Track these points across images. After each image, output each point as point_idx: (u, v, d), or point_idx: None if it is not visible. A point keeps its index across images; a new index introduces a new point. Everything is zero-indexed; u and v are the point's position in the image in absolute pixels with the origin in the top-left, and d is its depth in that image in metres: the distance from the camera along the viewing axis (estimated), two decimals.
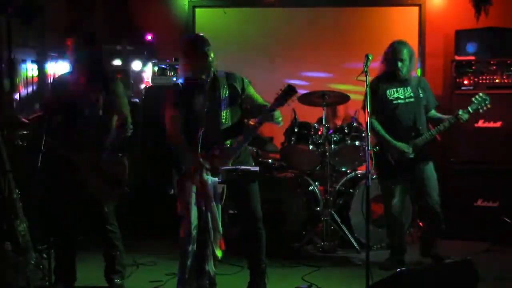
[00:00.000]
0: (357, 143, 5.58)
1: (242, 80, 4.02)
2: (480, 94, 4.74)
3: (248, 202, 3.97)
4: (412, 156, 4.70)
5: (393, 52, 4.73)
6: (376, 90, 4.75)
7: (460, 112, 4.67)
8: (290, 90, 3.75)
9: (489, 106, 4.70)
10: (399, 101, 4.76)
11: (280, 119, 3.85)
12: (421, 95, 4.79)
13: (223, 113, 3.87)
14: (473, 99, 4.71)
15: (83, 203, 4.17)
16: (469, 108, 4.68)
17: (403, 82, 4.79)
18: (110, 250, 4.28)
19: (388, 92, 4.78)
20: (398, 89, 4.78)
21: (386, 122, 4.79)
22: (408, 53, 4.72)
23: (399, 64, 4.70)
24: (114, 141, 4.18)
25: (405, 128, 4.74)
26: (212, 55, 3.87)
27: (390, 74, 4.79)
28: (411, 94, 4.77)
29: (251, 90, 4.07)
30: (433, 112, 4.88)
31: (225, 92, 3.91)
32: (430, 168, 4.79)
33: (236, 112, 3.96)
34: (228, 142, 3.84)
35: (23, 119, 4.53)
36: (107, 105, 4.16)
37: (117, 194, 4.23)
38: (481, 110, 4.72)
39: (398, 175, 4.79)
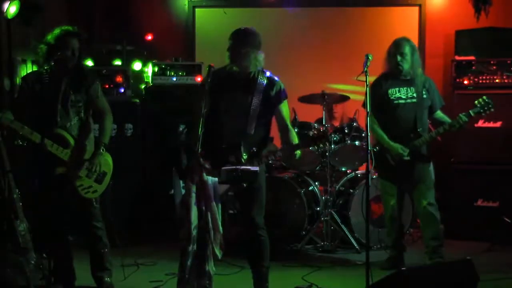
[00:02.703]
0: (357, 143, 5.59)
1: (279, 91, 3.84)
2: (484, 97, 4.62)
3: (250, 209, 3.92)
4: (407, 158, 4.65)
5: (394, 47, 4.69)
6: (378, 88, 4.74)
7: (461, 115, 4.60)
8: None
9: (492, 110, 4.60)
10: (400, 101, 4.72)
11: (299, 154, 3.82)
12: (425, 96, 4.73)
13: (249, 122, 3.75)
14: (476, 102, 4.62)
15: (71, 200, 4.18)
16: (471, 112, 4.60)
17: (407, 82, 4.74)
18: (99, 247, 4.25)
19: (390, 91, 4.75)
20: (400, 88, 4.74)
21: (386, 122, 4.76)
22: (410, 49, 4.68)
23: (399, 58, 4.66)
24: (98, 139, 4.19)
25: (405, 128, 4.71)
26: (248, 52, 3.74)
27: (393, 73, 4.74)
28: (414, 95, 4.72)
29: (283, 107, 3.88)
30: (438, 113, 4.82)
31: (257, 100, 3.77)
32: (428, 170, 4.76)
33: (262, 123, 3.83)
34: (245, 155, 3.73)
35: None
36: (87, 105, 4.17)
37: (102, 189, 4.24)
38: (483, 114, 4.63)
39: (398, 176, 4.77)
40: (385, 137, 4.72)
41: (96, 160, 4.14)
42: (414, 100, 4.72)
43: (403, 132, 4.71)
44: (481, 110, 4.61)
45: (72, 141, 4.11)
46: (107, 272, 4.30)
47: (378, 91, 4.73)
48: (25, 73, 5.66)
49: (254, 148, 3.80)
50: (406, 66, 4.69)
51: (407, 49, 4.67)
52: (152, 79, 6.19)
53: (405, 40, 4.72)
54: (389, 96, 4.74)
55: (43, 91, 4.06)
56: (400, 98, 4.73)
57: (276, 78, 3.90)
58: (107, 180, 4.26)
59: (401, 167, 4.70)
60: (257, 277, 4.01)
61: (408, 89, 4.74)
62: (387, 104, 4.74)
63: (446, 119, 4.79)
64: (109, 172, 4.28)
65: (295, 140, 3.89)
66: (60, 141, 4.07)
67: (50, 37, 4.09)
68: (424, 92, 4.74)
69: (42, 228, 4.18)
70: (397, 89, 4.75)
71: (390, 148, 4.69)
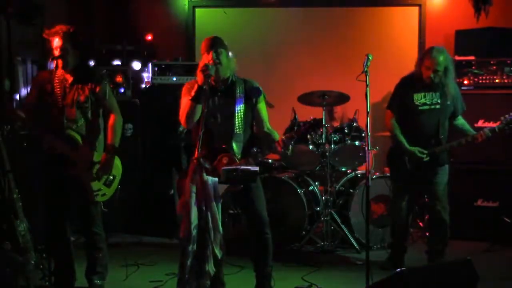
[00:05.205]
0: (357, 143, 5.59)
1: (258, 90, 3.94)
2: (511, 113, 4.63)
3: (254, 207, 3.94)
4: (426, 159, 4.63)
5: (430, 61, 4.58)
6: (402, 91, 4.73)
7: (486, 130, 4.61)
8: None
9: None
10: (425, 107, 4.67)
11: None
12: (449, 102, 4.68)
13: (236, 121, 3.83)
14: (502, 118, 4.63)
15: (74, 202, 4.18)
16: (496, 128, 4.62)
17: (432, 87, 4.67)
18: (94, 252, 4.24)
19: (415, 96, 4.68)
20: (426, 94, 4.67)
21: (408, 126, 4.73)
22: (444, 62, 4.58)
23: (432, 75, 4.58)
24: (108, 142, 4.17)
25: (427, 134, 4.68)
26: (223, 58, 3.81)
27: (421, 78, 4.66)
28: (438, 101, 4.66)
29: (262, 106, 3.98)
30: (460, 119, 4.81)
31: (240, 100, 3.87)
32: (443, 174, 4.74)
33: (248, 122, 3.92)
34: (235, 147, 3.80)
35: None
36: (95, 106, 4.14)
37: (110, 194, 4.24)
38: (508, 131, 4.62)
39: (413, 178, 4.74)
40: (404, 140, 4.70)
41: (108, 165, 4.14)
42: (438, 106, 4.67)
43: (424, 138, 4.67)
44: (506, 127, 4.61)
45: (81, 142, 4.10)
46: (99, 275, 4.28)
47: (402, 94, 4.72)
48: (23, 72, 5.67)
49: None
50: (437, 80, 4.62)
51: (442, 66, 4.57)
52: (152, 79, 6.19)
53: (441, 54, 4.58)
54: (414, 101, 4.68)
55: (51, 92, 4.06)
56: (425, 104, 4.67)
57: (251, 80, 4.00)
58: (115, 184, 4.26)
59: (417, 170, 4.68)
60: (261, 277, 4.00)
61: (434, 94, 4.68)
62: (411, 108, 4.69)
63: (467, 126, 4.79)
64: (118, 175, 4.27)
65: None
66: (71, 142, 4.07)
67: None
68: (448, 99, 4.69)
69: (45, 229, 4.19)
70: (422, 94, 4.68)
71: (407, 152, 4.67)
